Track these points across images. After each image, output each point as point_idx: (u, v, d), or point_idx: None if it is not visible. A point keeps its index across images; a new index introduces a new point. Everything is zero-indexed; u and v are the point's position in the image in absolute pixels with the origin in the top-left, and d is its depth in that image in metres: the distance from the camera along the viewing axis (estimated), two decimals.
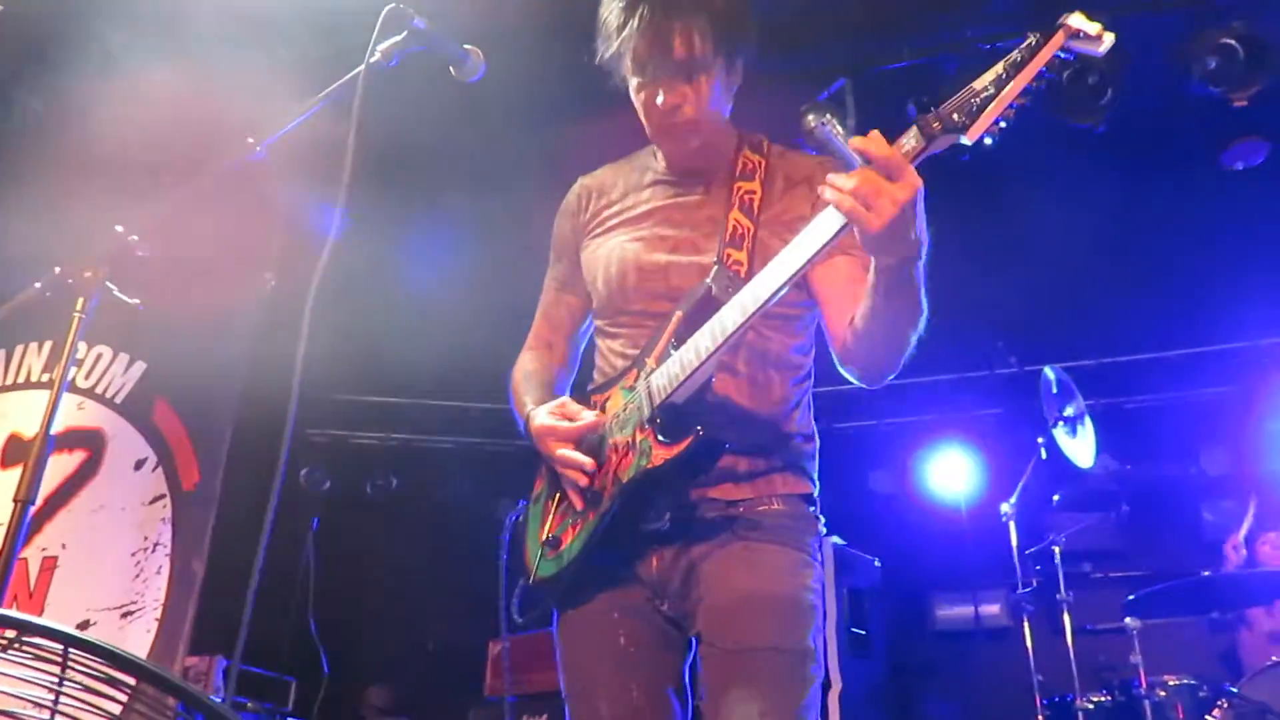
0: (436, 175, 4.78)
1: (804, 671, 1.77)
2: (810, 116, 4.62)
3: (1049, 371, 4.75)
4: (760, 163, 1.99)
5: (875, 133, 1.52)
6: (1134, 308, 5.75)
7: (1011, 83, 1.45)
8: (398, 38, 2.06)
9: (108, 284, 1.98)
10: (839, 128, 4.50)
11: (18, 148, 4.21)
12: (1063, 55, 1.44)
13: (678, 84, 1.87)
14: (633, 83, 1.93)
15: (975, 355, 6.10)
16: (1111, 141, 4.55)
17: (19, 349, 4.28)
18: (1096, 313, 5.96)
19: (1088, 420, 4.76)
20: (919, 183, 1.50)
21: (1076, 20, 1.43)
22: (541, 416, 1.92)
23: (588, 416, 1.89)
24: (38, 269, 2.00)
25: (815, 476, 1.96)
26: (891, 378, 1.84)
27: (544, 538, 1.95)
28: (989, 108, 1.46)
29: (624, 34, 1.85)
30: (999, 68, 1.47)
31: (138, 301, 2.02)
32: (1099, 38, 1.42)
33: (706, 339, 1.73)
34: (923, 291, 1.66)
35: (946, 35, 4.35)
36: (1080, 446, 4.68)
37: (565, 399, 1.97)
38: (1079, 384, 4.81)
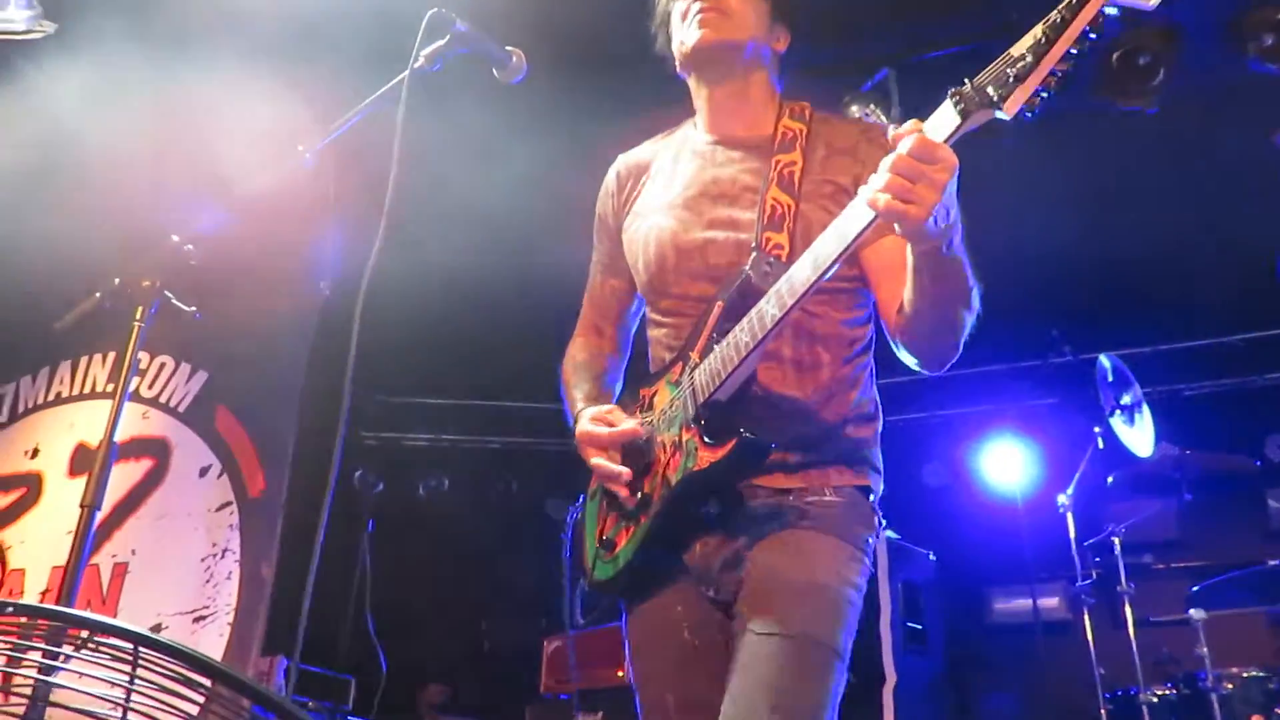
0: (476, 177, 4.81)
1: (827, 669, 1.67)
2: (854, 108, 4.61)
3: (1104, 359, 4.66)
4: (801, 130, 1.94)
5: (912, 121, 1.46)
6: (1190, 293, 5.62)
7: (1053, 47, 1.31)
8: (441, 42, 2.08)
9: (165, 293, 2.03)
10: (883, 118, 4.48)
11: (75, 158, 4.31)
12: (1107, 11, 1.31)
13: None
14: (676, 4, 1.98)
15: (1029, 344, 6.00)
16: (1163, 123, 4.46)
17: (83, 360, 4.39)
18: (1152, 299, 5.83)
19: (1145, 408, 4.67)
20: (956, 160, 1.43)
21: None
22: (584, 422, 1.91)
23: (629, 424, 1.86)
24: (97, 281, 2.05)
25: (878, 465, 1.88)
26: (954, 360, 1.78)
27: (600, 539, 1.94)
28: (1029, 77, 1.33)
29: None
30: (1038, 31, 1.34)
31: (194, 309, 2.07)
32: None
33: (745, 334, 1.68)
34: (967, 265, 1.61)
35: (991, 21, 4.27)
36: (1138, 435, 4.59)
37: (613, 406, 1.94)
38: (1136, 371, 4.71)
